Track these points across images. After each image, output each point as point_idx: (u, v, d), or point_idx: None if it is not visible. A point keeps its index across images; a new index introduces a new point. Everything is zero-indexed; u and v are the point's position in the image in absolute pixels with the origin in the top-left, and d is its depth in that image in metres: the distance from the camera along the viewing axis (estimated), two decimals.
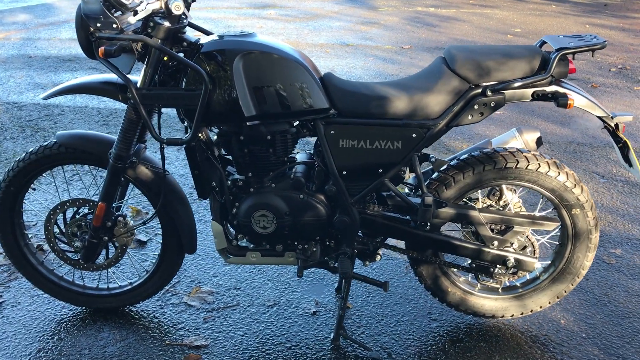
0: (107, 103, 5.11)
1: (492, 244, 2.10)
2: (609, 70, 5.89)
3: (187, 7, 2.06)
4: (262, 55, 1.92)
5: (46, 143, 2.20)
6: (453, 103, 1.95)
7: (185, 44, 1.98)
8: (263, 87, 1.92)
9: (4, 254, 2.80)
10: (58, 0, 10.76)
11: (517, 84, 1.92)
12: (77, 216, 2.26)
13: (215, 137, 2.16)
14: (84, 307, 2.46)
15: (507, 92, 1.93)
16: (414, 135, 1.97)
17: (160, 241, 2.33)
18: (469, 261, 2.21)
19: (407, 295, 2.53)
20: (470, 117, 1.96)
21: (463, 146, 4.05)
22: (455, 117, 1.96)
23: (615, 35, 7.47)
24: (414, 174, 2.13)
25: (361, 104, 1.97)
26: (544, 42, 2.03)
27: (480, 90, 1.93)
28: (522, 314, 2.28)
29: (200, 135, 2.06)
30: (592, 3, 9.93)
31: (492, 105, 1.94)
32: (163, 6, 1.86)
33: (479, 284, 2.30)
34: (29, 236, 2.43)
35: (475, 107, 1.94)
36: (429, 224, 2.03)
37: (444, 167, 2.11)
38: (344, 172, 2.03)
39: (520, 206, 2.21)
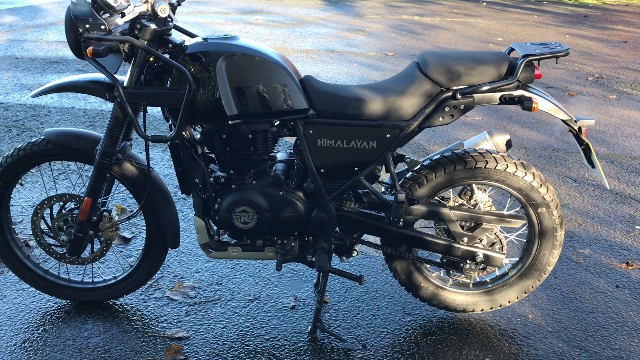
0: (93, 104, 5.18)
1: (462, 240, 2.21)
2: (586, 79, 6.05)
3: (173, 10, 2.15)
4: (245, 57, 2.01)
5: (34, 140, 2.27)
6: (425, 105, 2.06)
7: (170, 45, 2.07)
8: (245, 88, 2.01)
9: None
10: (45, 3, 10.79)
11: (485, 88, 2.03)
12: (64, 211, 2.34)
13: (199, 135, 2.25)
14: (68, 300, 2.53)
15: (476, 96, 2.04)
16: (388, 135, 2.07)
17: (145, 237, 2.41)
18: (441, 257, 2.32)
19: (383, 291, 2.63)
20: (441, 119, 2.06)
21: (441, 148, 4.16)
22: (427, 119, 2.06)
23: (593, 46, 7.66)
24: (389, 174, 2.24)
25: (338, 106, 2.07)
26: (512, 49, 2.14)
27: (450, 94, 2.04)
28: (491, 308, 2.39)
29: (184, 133, 2.14)
30: (573, 14, 10.15)
31: (461, 107, 2.04)
32: (150, 9, 1.95)
33: (450, 280, 2.40)
34: (16, 231, 2.49)
35: (446, 109, 2.04)
36: (401, 220, 2.13)
37: (417, 166, 2.21)
38: (322, 170, 2.12)
39: (490, 205, 2.32)
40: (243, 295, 2.59)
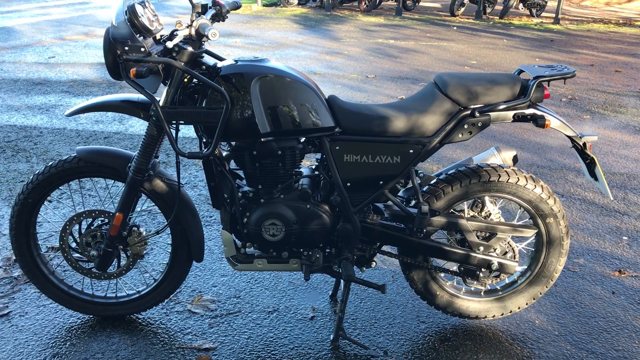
0: (85, 125, 5.21)
1: (478, 250, 2.35)
2: (561, 100, 6.35)
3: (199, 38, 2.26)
4: (276, 79, 2.14)
5: (65, 157, 2.34)
6: (446, 123, 2.21)
7: (204, 67, 2.18)
8: (277, 107, 2.13)
9: (7, 267, 2.88)
10: (17, 24, 10.73)
11: (501, 107, 2.19)
12: (92, 227, 2.40)
13: (225, 152, 2.35)
14: (91, 316, 2.57)
15: (493, 114, 2.20)
16: (411, 151, 2.21)
17: (169, 251, 2.48)
18: (456, 267, 2.45)
19: (396, 301, 2.75)
20: (460, 135, 2.21)
21: (433, 168, 4.34)
22: (448, 135, 2.21)
23: None
24: (403, 188, 2.38)
25: (364, 123, 2.21)
26: (521, 71, 2.32)
27: (469, 112, 2.20)
28: (502, 314, 2.53)
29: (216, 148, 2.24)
30: (540, 38, 10.59)
31: (479, 125, 2.20)
32: (193, 33, 2.06)
33: (463, 288, 2.54)
34: (41, 247, 2.53)
35: (465, 126, 2.20)
36: (424, 231, 2.26)
37: (434, 180, 2.36)
38: (348, 184, 2.25)
39: (500, 216, 2.47)
40: (262, 308, 2.68)
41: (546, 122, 2.16)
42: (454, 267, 2.48)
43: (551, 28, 12.01)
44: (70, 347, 2.39)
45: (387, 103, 2.30)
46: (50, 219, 3.30)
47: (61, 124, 5.22)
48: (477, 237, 2.36)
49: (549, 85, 2.24)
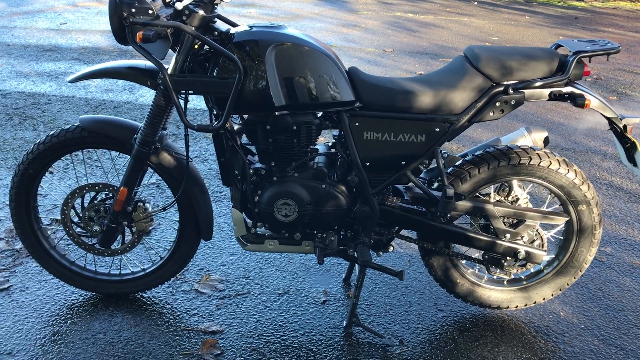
0: (94, 93, 5.07)
1: (505, 237, 2.20)
2: (585, 80, 6.11)
3: None
4: (294, 47, 1.98)
5: (68, 126, 2.21)
6: (476, 100, 2.04)
7: (216, 33, 2.02)
8: (293, 78, 1.97)
9: (9, 239, 2.78)
10: None
11: (537, 84, 2.02)
12: (96, 201, 2.27)
13: (237, 126, 2.20)
14: (94, 293, 2.46)
15: (527, 91, 2.03)
16: (437, 129, 2.05)
17: (176, 227, 2.36)
18: (478, 253, 2.31)
19: (412, 287, 2.61)
20: (491, 114, 2.05)
21: (453, 147, 4.17)
22: (478, 113, 2.05)
23: None
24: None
25: (387, 98, 2.05)
26: (559, 45, 2.14)
27: (502, 89, 2.03)
28: (526, 305, 2.39)
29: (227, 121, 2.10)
30: (563, 16, 10.26)
31: (512, 103, 2.03)
32: None
33: (485, 276, 2.40)
34: (43, 220, 2.42)
35: (497, 104, 2.03)
36: (448, 215, 2.11)
37: (459, 162, 2.20)
38: (367, 164, 2.10)
39: (527, 202, 2.32)
40: (272, 289, 2.55)
41: (586, 102, 1.98)
42: (476, 254, 2.33)
43: (575, 5, 11.63)
44: (71, 326, 2.28)
45: (412, 77, 2.14)
46: (55, 190, 3.19)
47: (70, 91, 5.09)
48: (504, 223, 2.21)
49: (590, 62, 2.07)
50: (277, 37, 1.98)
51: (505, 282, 2.39)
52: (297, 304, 2.47)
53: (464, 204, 2.13)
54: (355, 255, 2.19)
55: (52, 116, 4.51)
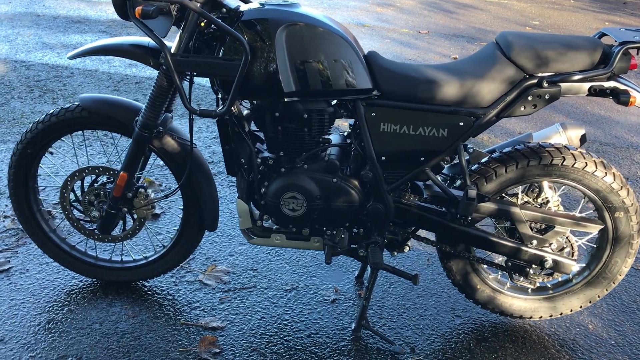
0: (117, 68, 4.98)
1: (531, 243, 2.01)
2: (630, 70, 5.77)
3: None
4: (307, 28, 1.81)
5: (68, 105, 2.09)
6: (506, 92, 1.85)
7: (224, 10, 1.86)
8: (305, 62, 1.81)
9: (14, 217, 2.70)
10: None
11: (575, 77, 1.81)
12: (96, 184, 2.16)
13: (246, 111, 2.05)
14: (94, 279, 2.37)
15: (564, 85, 1.83)
16: (461, 123, 1.86)
17: (180, 216, 2.23)
18: (501, 258, 2.13)
19: (430, 289, 2.45)
20: (522, 109, 1.85)
21: (484, 138, 3.95)
22: (507, 107, 1.85)
23: None
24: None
25: (407, 87, 1.87)
26: (603, 34, 1.92)
27: (536, 81, 1.83)
28: (551, 316, 2.20)
29: (232, 108, 1.95)
30: (611, 0, 9.77)
31: (546, 97, 1.83)
32: None
33: (508, 283, 2.22)
34: (43, 202, 2.32)
35: (529, 98, 1.83)
36: (469, 218, 1.94)
37: (485, 158, 2.01)
38: (383, 158, 1.93)
39: (558, 205, 2.12)
40: (280, 284, 2.42)
41: (630, 99, 1.77)
42: (499, 258, 2.15)
43: None
44: (67, 314, 2.19)
45: (436, 64, 1.95)
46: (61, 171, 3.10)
47: (93, 65, 5.00)
48: (531, 228, 2.02)
49: (638, 54, 1.85)
50: (289, 16, 1.81)
51: (529, 291, 2.21)
52: (305, 302, 2.33)
53: (487, 206, 1.95)
54: (367, 255, 2.03)
55: (73, 90, 4.42)
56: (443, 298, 2.40)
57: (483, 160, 2.01)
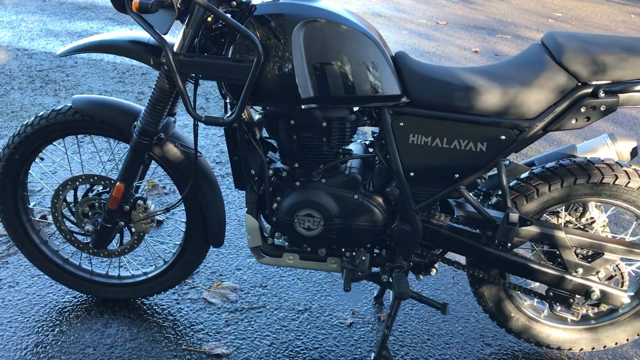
0: (124, 58, 4.75)
1: (576, 272, 1.79)
2: None
3: None
4: (328, 26, 1.58)
5: (59, 107, 1.87)
6: (555, 102, 1.61)
7: (234, 3, 1.63)
8: (326, 64, 1.58)
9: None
10: None
11: (637, 87, 1.58)
12: (90, 194, 1.95)
13: (258, 115, 1.84)
14: (89, 295, 2.17)
15: (623, 96, 1.59)
16: (503, 137, 1.63)
17: (184, 230, 2.02)
18: (538, 284, 1.91)
19: (456, 312, 2.23)
20: (573, 122, 1.62)
21: None
22: (556, 120, 1.62)
23: None
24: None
25: (441, 93, 1.63)
26: None
27: (590, 90, 1.59)
28: (593, 348, 1.98)
29: (243, 114, 1.73)
30: None
31: (602, 109, 1.60)
32: None
33: (545, 311, 2.00)
34: (34, 211, 2.11)
35: (582, 109, 1.60)
36: (509, 244, 1.71)
37: (526, 174, 1.78)
38: (411, 174, 1.70)
39: (605, 225, 1.89)
40: (292, 304, 2.21)
41: None
42: (534, 284, 1.93)
43: None
44: (58, 336, 1.99)
45: (474, 67, 1.71)
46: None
47: (98, 54, 4.79)
48: (576, 254, 1.80)
49: None
50: (308, 11, 1.58)
51: (569, 320, 1.98)
52: (319, 325, 2.12)
53: (529, 230, 1.72)
54: (391, 281, 1.81)
55: (76, 81, 4.22)
56: (471, 323, 2.18)
57: (523, 176, 1.79)
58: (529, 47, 1.75)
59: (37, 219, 2.11)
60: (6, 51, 4.68)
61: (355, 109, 1.74)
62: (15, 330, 2.00)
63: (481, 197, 1.90)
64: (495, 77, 1.64)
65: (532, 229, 1.72)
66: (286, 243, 1.91)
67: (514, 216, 1.63)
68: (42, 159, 2.04)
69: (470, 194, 1.73)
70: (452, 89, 1.63)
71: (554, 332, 1.98)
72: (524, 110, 1.62)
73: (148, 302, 2.17)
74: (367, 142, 1.89)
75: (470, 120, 1.63)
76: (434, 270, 1.92)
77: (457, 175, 1.69)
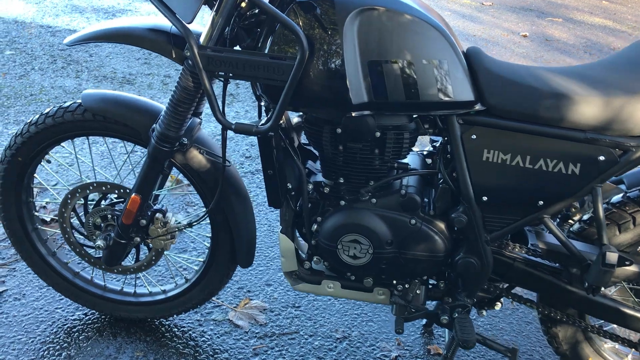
0: None
1: None
2: None
3: None
4: (389, 15, 1.28)
5: (68, 105, 1.61)
6: None
7: None
8: (383, 63, 1.28)
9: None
10: None
11: None
12: (103, 204, 1.69)
13: (296, 119, 1.55)
14: (102, 313, 1.93)
15: None
16: (601, 157, 1.32)
17: (208, 247, 1.76)
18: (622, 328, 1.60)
19: (517, 343, 1.94)
20: None
21: None
22: None
23: None
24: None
25: (525, 101, 1.32)
26: None
27: None
28: None
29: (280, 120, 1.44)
30: None
31: None
32: None
33: (630, 355, 1.69)
34: (40, 219, 1.87)
35: None
36: (603, 288, 1.41)
37: (619, 198, 1.47)
38: (484, 198, 1.40)
39: None
40: (328, 330, 1.94)
41: None
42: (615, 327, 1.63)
43: None
44: None
45: (564, 68, 1.39)
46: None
47: None
48: None
49: None
50: None
51: None
52: (360, 357, 1.85)
53: (627, 270, 1.41)
54: (451, 322, 1.52)
55: (100, 62, 3.97)
56: (534, 358, 1.89)
57: (614, 200, 1.47)
58: (633, 44, 1.42)
59: (44, 227, 1.87)
60: (29, 28, 4.45)
61: (415, 115, 1.44)
62: (18, 352, 1.78)
63: (558, 219, 1.60)
64: (593, 81, 1.33)
65: (631, 269, 1.41)
66: (326, 267, 1.63)
67: (613, 256, 1.32)
68: (49, 161, 1.79)
69: (555, 223, 1.42)
70: (539, 95, 1.32)
71: None
72: (630, 125, 1.30)
73: (167, 323, 1.92)
74: (425, 152, 1.60)
75: (561, 135, 1.32)
76: (499, 304, 1.63)
77: (541, 203, 1.38)
